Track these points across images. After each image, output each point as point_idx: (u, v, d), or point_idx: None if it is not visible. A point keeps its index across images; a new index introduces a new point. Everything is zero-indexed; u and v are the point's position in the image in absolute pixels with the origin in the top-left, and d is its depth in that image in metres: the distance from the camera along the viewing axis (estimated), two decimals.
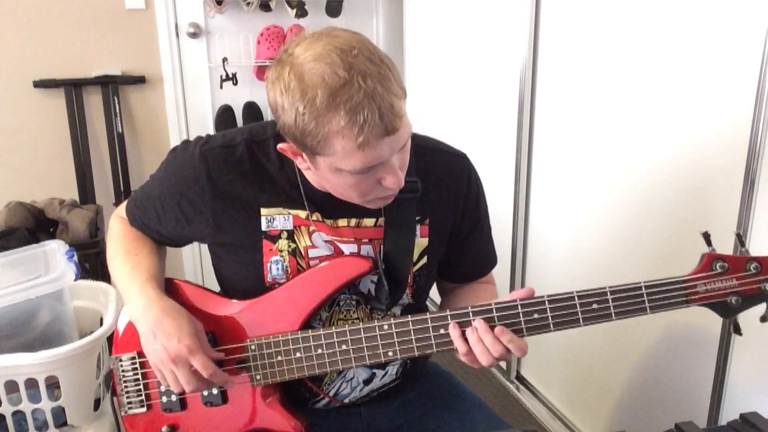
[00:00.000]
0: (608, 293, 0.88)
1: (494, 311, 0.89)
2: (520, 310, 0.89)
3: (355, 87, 0.78)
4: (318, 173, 0.90)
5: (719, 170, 1.28)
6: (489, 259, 1.16)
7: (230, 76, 2.75)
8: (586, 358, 1.81)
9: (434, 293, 1.16)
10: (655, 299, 0.88)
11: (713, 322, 1.20)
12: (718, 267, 0.87)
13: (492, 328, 0.88)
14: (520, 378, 2.17)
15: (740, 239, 0.90)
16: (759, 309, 0.89)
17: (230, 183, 0.98)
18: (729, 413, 1.33)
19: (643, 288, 0.88)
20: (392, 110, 0.80)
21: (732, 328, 0.93)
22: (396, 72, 0.83)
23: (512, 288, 2.09)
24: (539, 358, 2.07)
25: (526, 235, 2.03)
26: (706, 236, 0.89)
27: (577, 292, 0.88)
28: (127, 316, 1.03)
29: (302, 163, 0.92)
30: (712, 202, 1.31)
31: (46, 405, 1.21)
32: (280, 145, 0.92)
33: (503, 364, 2.20)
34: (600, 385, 1.76)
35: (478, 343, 0.89)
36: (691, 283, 0.88)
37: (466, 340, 0.89)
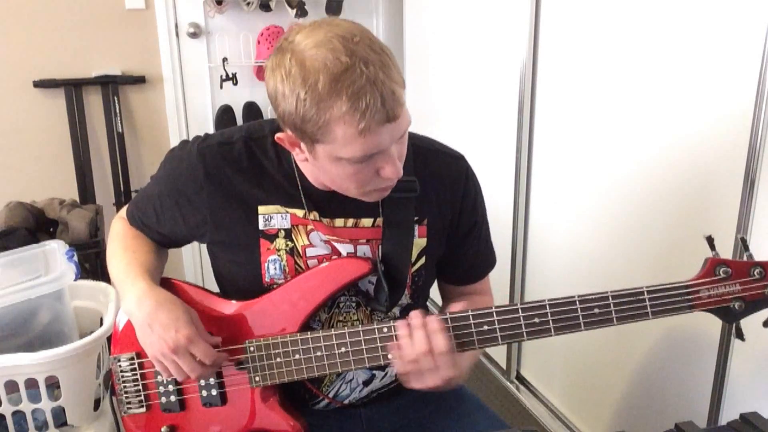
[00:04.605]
0: (610, 298, 0.87)
1: (494, 314, 0.89)
2: (520, 314, 0.89)
3: (357, 72, 0.77)
4: (316, 164, 0.89)
5: (719, 171, 1.28)
6: (487, 261, 1.15)
7: (230, 76, 2.75)
8: (586, 358, 1.81)
9: (435, 294, 1.16)
10: (657, 304, 0.87)
11: (713, 322, 1.19)
12: (721, 272, 0.86)
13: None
14: (520, 378, 2.17)
15: (744, 243, 0.89)
16: (760, 312, 0.89)
17: (228, 180, 0.98)
18: (729, 413, 1.32)
19: (646, 293, 0.87)
20: (394, 97, 0.80)
21: (735, 333, 0.91)
22: (395, 61, 0.83)
23: (513, 289, 2.09)
24: (539, 358, 2.07)
25: (526, 236, 2.02)
26: (710, 240, 0.87)
27: (578, 296, 0.87)
28: (124, 313, 1.03)
29: (300, 155, 0.91)
30: (712, 202, 1.31)
31: (46, 405, 1.21)
32: (278, 135, 0.90)
33: (503, 364, 2.20)
34: (600, 385, 1.76)
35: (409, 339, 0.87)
36: (694, 289, 0.87)
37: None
